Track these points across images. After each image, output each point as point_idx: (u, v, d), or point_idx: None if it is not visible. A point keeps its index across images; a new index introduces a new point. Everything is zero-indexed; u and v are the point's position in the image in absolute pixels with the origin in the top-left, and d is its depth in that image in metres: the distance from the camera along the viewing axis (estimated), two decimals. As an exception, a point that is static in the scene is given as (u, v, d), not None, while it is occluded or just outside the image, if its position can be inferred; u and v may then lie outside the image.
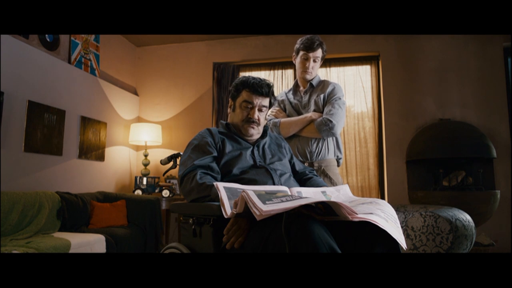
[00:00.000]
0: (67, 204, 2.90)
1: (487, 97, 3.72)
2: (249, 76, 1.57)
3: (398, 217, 1.09)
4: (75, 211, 2.96)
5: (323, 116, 2.03)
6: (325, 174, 2.04)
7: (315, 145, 2.06)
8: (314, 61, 2.11)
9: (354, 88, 4.14)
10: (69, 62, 3.47)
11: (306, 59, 2.11)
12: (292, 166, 1.64)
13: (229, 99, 1.62)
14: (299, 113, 2.15)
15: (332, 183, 2.03)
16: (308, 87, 2.17)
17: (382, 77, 4.01)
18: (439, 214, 2.26)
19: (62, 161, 3.28)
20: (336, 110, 2.04)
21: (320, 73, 4.23)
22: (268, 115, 2.19)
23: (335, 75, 4.19)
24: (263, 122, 1.58)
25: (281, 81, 4.29)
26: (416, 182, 3.72)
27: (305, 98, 2.16)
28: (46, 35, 3.22)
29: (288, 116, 2.17)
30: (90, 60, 3.76)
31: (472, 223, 2.37)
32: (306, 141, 2.06)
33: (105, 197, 3.48)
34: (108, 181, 3.95)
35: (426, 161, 3.61)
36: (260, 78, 1.56)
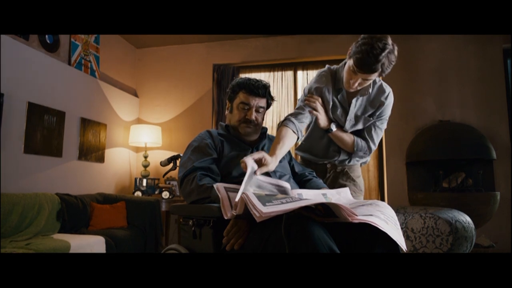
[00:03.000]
0: (67, 206, 2.90)
1: (487, 98, 3.72)
2: (245, 77, 1.58)
3: (398, 219, 1.09)
4: (75, 213, 2.96)
5: (366, 139, 1.75)
6: (348, 176, 1.84)
7: (344, 155, 1.80)
8: (365, 79, 1.56)
9: (354, 90, 4.14)
10: (69, 63, 3.47)
11: (354, 74, 1.54)
12: (292, 168, 1.64)
13: (227, 100, 1.63)
14: (339, 120, 1.74)
15: (356, 186, 1.84)
16: (359, 96, 1.71)
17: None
18: (439, 215, 2.25)
19: (62, 162, 3.28)
20: (378, 136, 1.77)
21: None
22: (303, 102, 1.71)
23: (335, 76, 4.19)
24: (261, 122, 1.58)
25: (281, 83, 4.30)
26: (416, 183, 3.72)
27: (353, 111, 1.72)
28: (46, 37, 3.23)
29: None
30: (90, 61, 3.76)
31: (472, 225, 2.37)
32: (336, 148, 1.80)
33: (105, 199, 3.47)
34: (108, 182, 3.95)
35: (426, 162, 3.61)
36: (256, 79, 1.56)
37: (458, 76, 3.81)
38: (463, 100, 3.77)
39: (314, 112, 1.66)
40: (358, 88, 1.62)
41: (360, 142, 1.74)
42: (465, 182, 3.43)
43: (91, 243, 2.60)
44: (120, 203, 3.42)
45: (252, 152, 1.51)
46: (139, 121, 4.58)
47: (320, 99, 1.70)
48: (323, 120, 1.70)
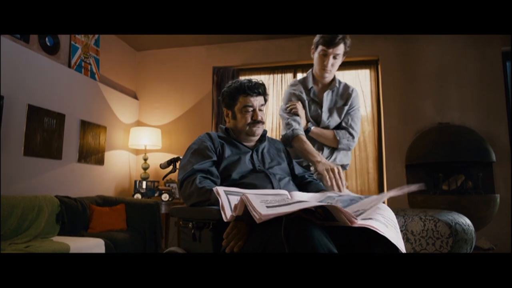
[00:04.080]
0: (66, 208, 2.89)
1: (486, 101, 3.73)
2: (236, 81, 1.57)
3: (398, 221, 1.09)
4: (75, 215, 2.96)
5: (345, 128, 1.93)
6: None
7: (327, 151, 1.95)
8: (335, 57, 1.85)
9: (354, 92, 4.15)
10: (69, 66, 3.48)
11: (325, 56, 1.85)
12: (292, 170, 1.64)
13: (224, 108, 1.60)
14: (317, 119, 1.96)
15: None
16: (330, 90, 1.97)
17: (381, 81, 4.02)
18: (438, 218, 2.25)
19: (61, 165, 3.27)
20: (356, 124, 1.94)
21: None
22: (287, 107, 1.93)
23: (334, 79, 4.20)
24: (265, 120, 1.59)
25: (281, 85, 4.30)
26: (415, 186, 3.71)
27: (326, 102, 1.96)
28: (47, 40, 3.23)
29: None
30: (90, 64, 3.77)
31: (472, 227, 2.36)
32: (319, 146, 1.95)
33: (105, 201, 3.47)
34: (107, 185, 3.95)
35: (425, 165, 3.61)
36: (248, 80, 1.56)
37: (458, 79, 3.82)
38: (462, 102, 3.78)
39: (296, 116, 1.89)
40: (332, 70, 1.90)
41: (340, 132, 1.92)
42: (464, 185, 3.43)
43: (91, 246, 2.59)
44: (120, 205, 3.42)
45: (252, 155, 1.51)
46: (139, 123, 4.58)
47: (299, 103, 1.93)
48: (303, 122, 1.91)
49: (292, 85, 2.04)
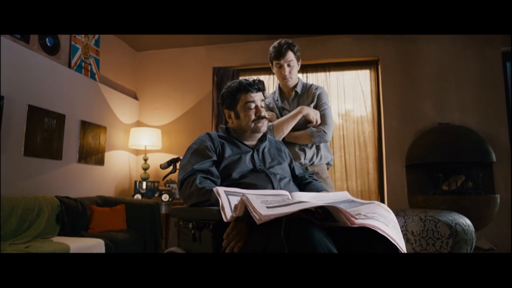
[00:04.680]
0: (66, 209, 2.89)
1: (486, 101, 3.73)
2: (234, 81, 1.58)
3: (398, 222, 1.09)
4: (75, 216, 2.96)
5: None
6: (320, 177, 2.07)
7: (308, 150, 2.07)
8: (289, 65, 2.05)
9: (354, 93, 4.15)
10: (69, 66, 3.48)
11: (280, 68, 2.07)
12: (292, 170, 1.64)
13: (225, 110, 1.60)
14: None
15: (327, 185, 2.05)
16: (294, 95, 2.14)
17: (381, 81, 4.02)
18: (439, 218, 2.25)
19: (61, 165, 3.27)
20: (326, 118, 2.05)
21: (319, 77, 4.25)
22: None
23: (334, 79, 4.20)
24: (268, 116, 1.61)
25: (281, 86, 4.30)
26: (415, 186, 3.72)
27: (293, 107, 2.12)
28: (47, 40, 3.23)
29: None
30: (90, 64, 3.77)
31: (472, 228, 2.36)
32: (299, 147, 2.07)
33: (105, 202, 3.47)
34: (107, 185, 3.95)
35: (425, 165, 3.61)
36: (245, 78, 1.56)
37: (458, 79, 3.82)
38: (462, 103, 3.78)
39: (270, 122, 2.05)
40: (292, 77, 2.08)
41: (311, 128, 2.03)
42: (464, 185, 3.43)
43: (91, 246, 2.59)
44: (120, 206, 3.42)
45: (252, 154, 1.51)
46: (139, 124, 4.58)
47: (271, 112, 2.14)
48: None
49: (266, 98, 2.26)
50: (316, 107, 2.09)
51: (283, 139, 2.04)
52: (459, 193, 3.35)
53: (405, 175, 3.79)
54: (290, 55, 2.04)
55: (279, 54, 2.03)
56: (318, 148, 2.09)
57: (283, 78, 2.08)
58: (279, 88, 2.20)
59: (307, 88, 2.15)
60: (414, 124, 3.85)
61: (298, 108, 2.04)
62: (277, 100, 2.19)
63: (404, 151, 3.79)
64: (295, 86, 2.13)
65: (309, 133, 2.02)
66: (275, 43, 2.09)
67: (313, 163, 2.08)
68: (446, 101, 3.82)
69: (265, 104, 2.09)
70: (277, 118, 2.12)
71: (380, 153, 3.99)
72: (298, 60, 2.09)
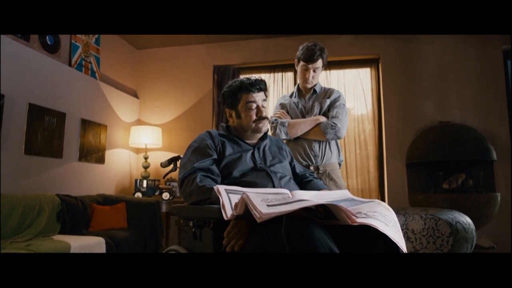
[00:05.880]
0: (67, 207, 2.90)
1: (487, 99, 3.72)
2: (236, 80, 1.57)
3: (398, 220, 1.09)
4: (75, 214, 2.96)
5: (329, 120, 2.06)
6: (330, 178, 2.06)
7: (317, 148, 2.07)
8: (314, 71, 2.10)
9: (354, 91, 4.15)
10: (70, 65, 3.48)
11: (306, 70, 2.10)
12: (293, 169, 1.64)
13: (226, 109, 1.59)
14: (304, 117, 2.16)
15: (337, 186, 2.05)
16: (311, 93, 2.19)
17: (382, 79, 4.01)
18: (439, 217, 2.25)
19: (62, 163, 3.28)
20: (341, 114, 2.07)
21: (320, 76, 4.25)
22: (272, 117, 2.19)
23: (335, 78, 4.19)
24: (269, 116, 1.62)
25: (281, 84, 4.30)
26: (416, 184, 3.72)
27: (309, 103, 2.17)
28: (47, 38, 3.23)
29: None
30: (90, 63, 3.76)
31: (472, 226, 2.36)
32: (309, 144, 2.08)
33: (105, 200, 3.47)
34: (108, 183, 3.95)
35: (426, 163, 3.61)
36: (247, 78, 1.55)
37: (458, 78, 3.82)
38: (463, 101, 3.77)
39: (281, 120, 2.13)
40: (313, 81, 2.14)
41: (323, 122, 2.05)
42: (465, 184, 3.42)
43: (91, 244, 2.60)
44: (121, 204, 3.42)
45: (253, 152, 1.51)
46: (139, 122, 4.58)
47: (283, 111, 2.19)
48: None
49: (282, 98, 2.33)
50: (331, 104, 2.12)
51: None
52: (460, 192, 3.35)
53: (405, 173, 3.79)
54: (319, 62, 2.08)
55: (310, 59, 2.05)
56: (326, 146, 2.09)
57: (305, 81, 2.13)
58: (298, 88, 2.25)
59: (327, 90, 2.21)
60: (414, 122, 3.84)
61: (318, 116, 2.08)
62: (295, 96, 2.24)
63: (405, 150, 3.79)
64: (314, 86, 2.19)
65: (322, 127, 2.03)
66: (308, 44, 2.08)
67: (323, 162, 2.08)
68: (447, 100, 3.81)
69: (281, 103, 2.25)
70: (291, 117, 2.17)
71: (380, 152, 3.98)
72: (324, 66, 2.15)
